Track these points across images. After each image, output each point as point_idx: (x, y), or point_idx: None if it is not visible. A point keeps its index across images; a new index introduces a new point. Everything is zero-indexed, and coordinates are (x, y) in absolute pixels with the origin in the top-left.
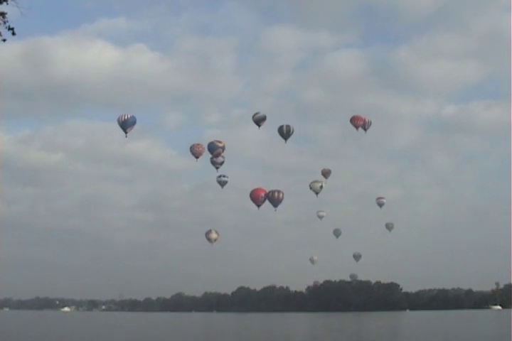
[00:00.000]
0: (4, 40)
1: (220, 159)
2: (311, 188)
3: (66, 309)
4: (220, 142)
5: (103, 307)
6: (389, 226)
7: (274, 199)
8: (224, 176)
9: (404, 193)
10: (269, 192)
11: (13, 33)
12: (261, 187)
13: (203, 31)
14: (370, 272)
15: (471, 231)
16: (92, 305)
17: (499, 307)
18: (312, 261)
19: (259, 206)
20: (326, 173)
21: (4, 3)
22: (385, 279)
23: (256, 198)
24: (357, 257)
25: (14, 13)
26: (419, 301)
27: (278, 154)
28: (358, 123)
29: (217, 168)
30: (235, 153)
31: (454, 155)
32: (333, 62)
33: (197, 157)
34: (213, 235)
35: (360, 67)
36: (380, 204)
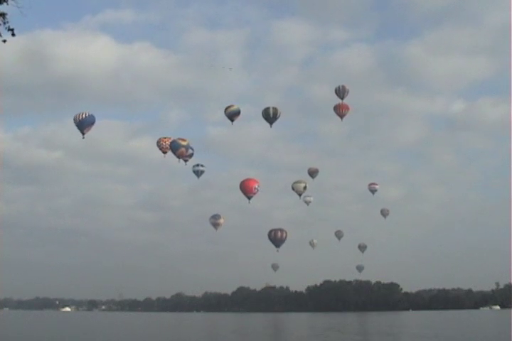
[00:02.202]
0: (4, 41)
1: (188, 151)
2: (293, 189)
3: (66, 309)
4: (183, 140)
5: (103, 307)
6: (384, 213)
7: (277, 239)
8: (201, 165)
9: (408, 192)
10: (271, 231)
11: (13, 34)
12: (253, 178)
13: (210, 25)
14: (370, 272)
15: (471, 231)
16: (92, 305)
17: (499, 307)
18: (312, 244)
19: (250, 198)
20: (312, 173)
21: (4, 3)
22: (385, 279)
23: (247, 190)
24: (362, 248)
25: (15, 8)
26: (419, 301)
27: (282, 152)
28: (343, 111)
29: (185, 160)
30: (238, 151)
31: (459, 154)
32: (343, 57)
33: (164, 152)
34: (221, 220)
35: (370, 62)
36: (373, 191)
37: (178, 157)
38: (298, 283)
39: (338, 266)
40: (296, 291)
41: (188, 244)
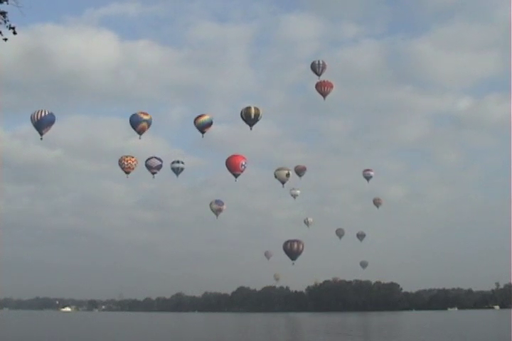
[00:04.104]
0: (5, 40)
1: (155, 162)
2: (276, 177)
3: (66, 309)
4: (145, 114)
5: (103, 307)
6: (376, 202)
7: (293, 251)
8: (181, 162)
9: (410, 191)
10: (287, 242)
11: (14, 33)
12: (240, 154)
13: (217, 19)
14: (371, 272)
15: (471, 231)
16: (92, 305)
17: (499, 307)
18: (307, 223)
19: (237, 176)
20: (299, 171)
21: (4, 2)
22: (385, 279)
23: (234, 166)
24: (361, 236)
25: (15, 7)
26: (419, 301)
27: (285, 151)
28: (326, 89)
29: (153, 173)
30: (240, 149)
31: (463, 152)
32: (350, 54)
33: (127, 172)
34: (224, 206)
35: (377, 59)
36: (368, 177)
37: (139, 133)
38: (298, 283)
39: (339, 266)
40: (296, 291)
41: (188, 244)
